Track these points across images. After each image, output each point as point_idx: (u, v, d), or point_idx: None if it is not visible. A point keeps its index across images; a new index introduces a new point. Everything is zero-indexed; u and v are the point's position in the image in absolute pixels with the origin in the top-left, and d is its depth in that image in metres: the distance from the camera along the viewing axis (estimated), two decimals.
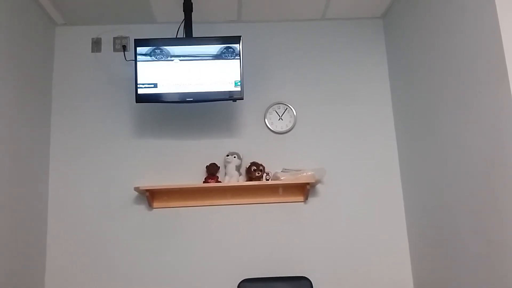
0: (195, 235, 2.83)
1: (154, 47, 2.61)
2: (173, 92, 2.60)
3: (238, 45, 2.64)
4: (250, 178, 2.80)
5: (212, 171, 2.81)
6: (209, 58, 2.60)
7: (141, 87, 2.60)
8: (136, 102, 2.61)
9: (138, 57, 2.62)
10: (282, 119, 2.97)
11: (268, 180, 2.80)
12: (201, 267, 2.79)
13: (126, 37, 3.03)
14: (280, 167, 2.87)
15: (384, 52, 3.09)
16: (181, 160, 2.90)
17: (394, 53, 2.96)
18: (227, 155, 2.81)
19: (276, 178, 2.77)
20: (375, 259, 2.83)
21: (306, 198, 2.87)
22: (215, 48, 2.60)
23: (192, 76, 2.59)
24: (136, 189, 2.72)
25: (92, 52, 3.02)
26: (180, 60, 2.59)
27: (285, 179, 2.74)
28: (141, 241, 2.81)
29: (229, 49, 2.62)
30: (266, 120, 2.97)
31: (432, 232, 2.50)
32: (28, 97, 2.62)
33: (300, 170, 2.79)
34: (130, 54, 2.96)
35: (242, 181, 2.80)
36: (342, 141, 2.96)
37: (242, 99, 2.64)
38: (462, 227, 2.17)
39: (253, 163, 2.80)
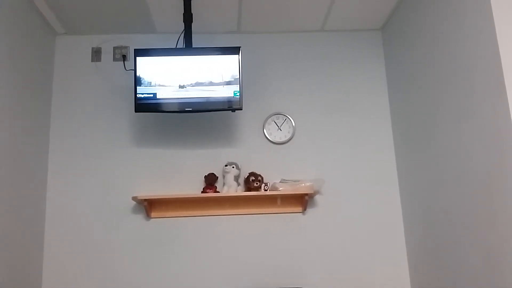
0: (193, 245, 2.81)
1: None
2: (172, 101, 2.60)
3: (238, 55, 2.65)
4: (248, 189, 2.79)
5: (210, 181, 2.80)
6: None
7: (140, 96, 2.61)
8: (136, 111, 2.61)
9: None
10: (280, 130, 2.97)
11: (266, 190, 2.80)
12: (198, 277, 2.77)
13: (126, 47, 3.04)
14: (279, 177, 2.86)
15: (383, 64, 3.10)
16: (179, 170, 2.90)
17: (393, 64, 2.97)
18: (226, 165, 2.80)
19: (274, 188, 2.76)
20: (373, 270, 2.81)
21: (304, 209, 2.86)
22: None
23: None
24: (134, 198, 2.71)
25: (92, 61, 3.03)
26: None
27: (283, 189, 2.74)
28: (139, 250, 2.79)
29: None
30: (265, 131, 2.97)
31: (431, 242, 2.49)
32: (27, 105, 2.62)
33: (298, 181, 2.79)
34: (130, 63, 2.97)
35: (240, 192, 2.79)
36: (340, 152, 2.97)
37: (241, 109, 2.65)
38: (460, 237, 2.17)
39: (251, 174, 2.80)
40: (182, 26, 2.77)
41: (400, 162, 2.91)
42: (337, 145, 2.98)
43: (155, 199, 2.73)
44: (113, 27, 2.98)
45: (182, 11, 2.76)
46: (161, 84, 2.61)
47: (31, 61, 2.69)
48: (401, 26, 2.81)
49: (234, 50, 2.66)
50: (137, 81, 2.62)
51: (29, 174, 2.63)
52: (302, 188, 2.74)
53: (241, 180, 2.84)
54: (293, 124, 2.98)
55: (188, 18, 2.74)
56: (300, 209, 2.87)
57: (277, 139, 2.96)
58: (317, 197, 2.89)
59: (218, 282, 2.77)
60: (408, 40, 2.71)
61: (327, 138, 2.98)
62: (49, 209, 2.82)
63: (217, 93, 2.62)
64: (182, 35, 2.76)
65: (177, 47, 2.83)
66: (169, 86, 2.61)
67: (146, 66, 2.63)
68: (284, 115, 2.99)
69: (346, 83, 3.06)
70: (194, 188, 2.86)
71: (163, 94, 2.61)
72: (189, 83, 2.61)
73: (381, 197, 2.91)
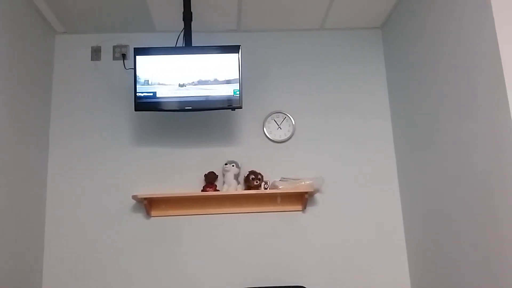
0: (193, 244, 2.81)
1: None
2: (172, 100, 2.60)
3: (237, 54, 2.65)
4: (248, 187, 2.79)
5: (210, 179, 2.81)
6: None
7: (140, 95, 2.61)
8: (135, 110, 2.61)
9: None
10: (280, 128, 2.98)
11: (266, 189, 2.80)
12: (199, 276, 2.78)
13: (125, 46, 3.04)
14: (279, 176, 2.87)
15: (383, 62, 3.10)
16: (179, 169, 2.90)
17: (393, 63, 2.97)
18: (226, 164, 2.81)
19: (274, 187, 2.76)
20: (373, 269, 2.82)
21: (304, 207, 2.86)
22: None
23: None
24: (134, 197, 2.71)
25: (91, 60, 3.03)
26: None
27: (283, 188, 2.74)
28: (139, 249, 2.80)
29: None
30: (264, 129, 2.97)
31: (431, 241, 2.49)
32: (27, 104, 2.62)
33: (298, 179, 2.79)
34: (129, 62, 2.97)
35: (240, 190, 2.79)
36: (340, 150, 2.97)
37: (241, 108, 2.65)
38: (460, 237, 2.17)
39: (251, 172, 2.80)
40: (181, 25, 2.76)
41: (400, 160, 2.91)
42: (337, 143, 2.98)
43: (155, 197, 2.73)
44: (113, 26, 2.98)
45: (182, 10, 2.75)
46: (161, 82, 2.61)
47: (31, 60, 2.69)
48: (401, 24, 2.81)
49: (234, 49, 2.66)
50: (137, 80, 2.61)
51: (29, 174, 2.63)
52: (302, 186, 2.74)
53: (241, 179, 2.84)
54: (293, 122, 2.98)
55: (187, 16, 2.74)
56: (300, 207, 2.87)
57: (277, 138, 2.96)
58: (317, 196, 2.89)
59: (218, 280, 2.77)
60: (408, 38, 2.71)
61: (327, 136, 2.98)
62: (49, 208, 2.82)
63: (217, 92, 2.62)
64: (182, 33, 2.76)
65: (176, 45, 2.83)
66: (169, 84, 2.61)
67: (145, 65, 2.63)
68: (284, 114, 2.99)
69: (346, 82, 3.06)
70: (194, 187, 2.86)
71: (163, 92, 2.61)
72: (189, 82, 2.62)
73: (381, 195, 2.91)
